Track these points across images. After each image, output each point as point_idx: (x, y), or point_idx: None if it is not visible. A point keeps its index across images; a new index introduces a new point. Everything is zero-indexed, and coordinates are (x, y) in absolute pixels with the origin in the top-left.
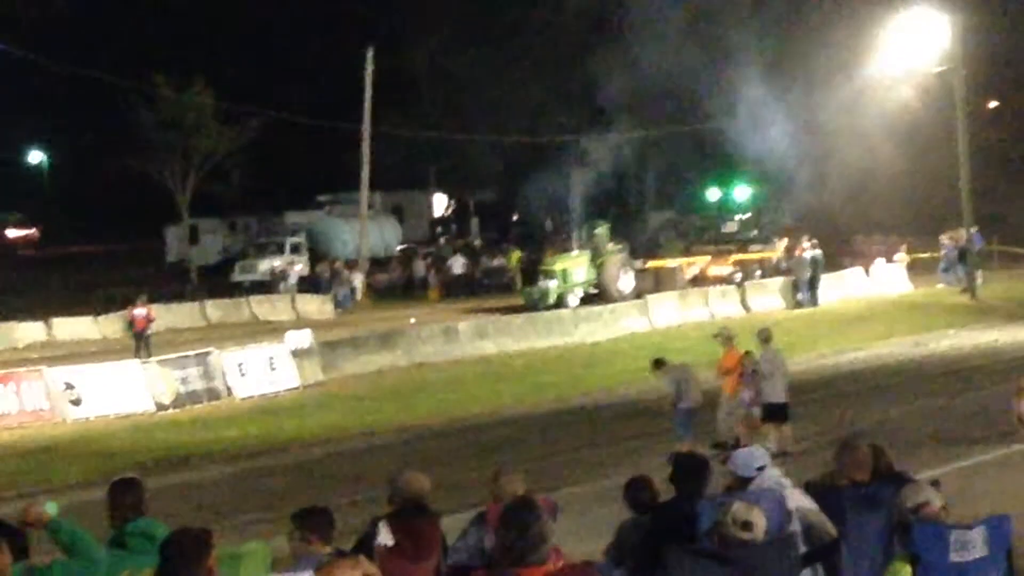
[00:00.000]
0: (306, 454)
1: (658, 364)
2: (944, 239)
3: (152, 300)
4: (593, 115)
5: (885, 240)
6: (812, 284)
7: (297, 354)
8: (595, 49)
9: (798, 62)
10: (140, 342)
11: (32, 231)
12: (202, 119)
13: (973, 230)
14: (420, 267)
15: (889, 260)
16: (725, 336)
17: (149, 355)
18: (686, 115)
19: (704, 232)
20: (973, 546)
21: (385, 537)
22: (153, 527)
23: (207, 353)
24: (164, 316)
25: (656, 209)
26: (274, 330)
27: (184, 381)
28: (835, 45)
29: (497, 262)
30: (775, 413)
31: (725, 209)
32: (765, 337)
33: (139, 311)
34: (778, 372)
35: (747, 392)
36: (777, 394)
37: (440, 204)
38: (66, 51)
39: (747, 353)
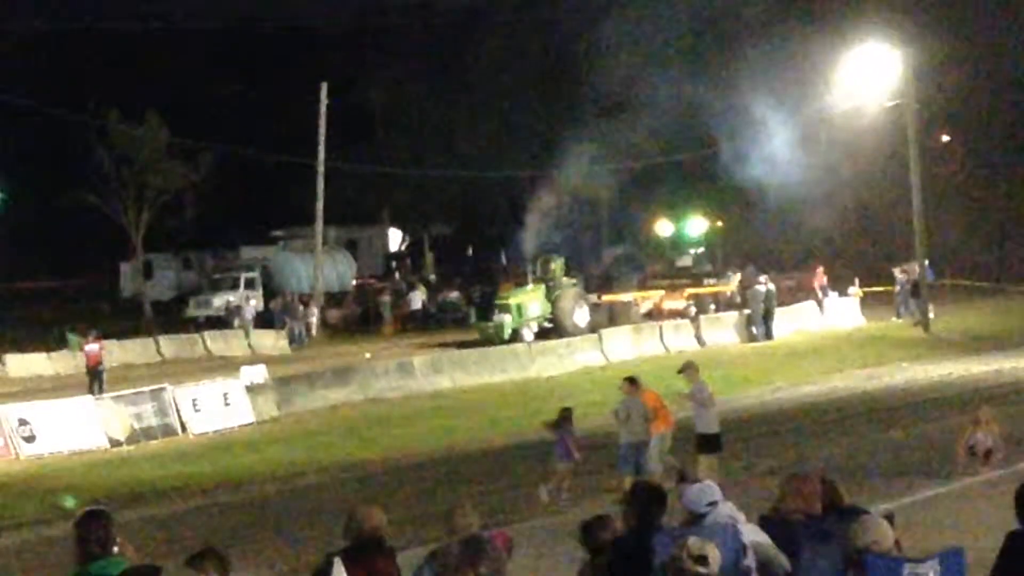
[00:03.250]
0: (261, 490)
1: (632, 381)
2: (897, 272)
3: (106, 336)
4: (548, 149)
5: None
6: (766, 318)
7: (252, 390)
8: (551, 83)
9: (751, 98)
10: (93, 378)
11: None
12: (156, 154)
13: (925, 263)
14: (385, 301)
15: (843, 293)
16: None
17: (102, 391)
18: (642, 149)
19: (658, 266)
20: None
21: (340, 574)
22: (113, 567)
23: (161, 389)
24: (118, 352)
25: (610, 243)
26: (228, 365)
27: (138, 417)
28: (788, 80)
29: (453, 296)
30: (709, 444)
31: (679, 243)
32: (695, 370)
33: (91, 347)
34: (708, 403)
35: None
36: (710, 425)
37: (395, 239)
38: (20, 86)
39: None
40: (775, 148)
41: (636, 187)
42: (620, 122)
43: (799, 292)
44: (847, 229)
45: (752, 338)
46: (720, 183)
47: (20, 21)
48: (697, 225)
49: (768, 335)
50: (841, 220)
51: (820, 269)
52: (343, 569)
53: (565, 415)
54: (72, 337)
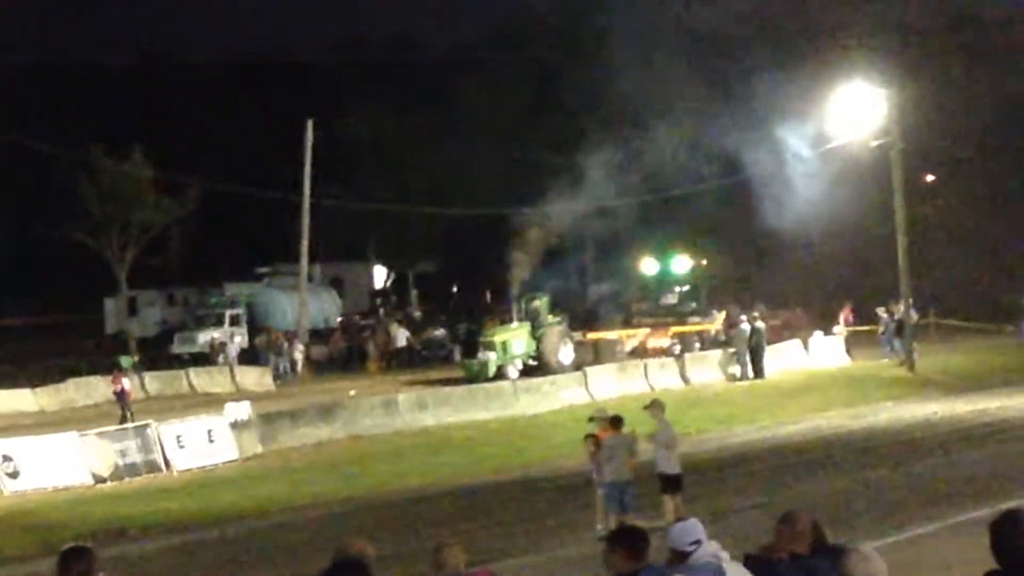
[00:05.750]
0: (245, 527)
1: (615, 423)
2: (881, 312)
3: (90, 372)
4: (533, 186)
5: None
6: (755, 356)
7: (236, 426)
8: (536, 120)
9: (733, 134)
10: (122, 408)
11: None
12: (141, 190)
13: (910, 302)
14: (370, 338)
15: (827, 333)
16: (601, 417)
17: (131, 420)
18: (624, 187)
19: (643, 304)
20: None
21: None
22: None
23: (145, 425)
24: (102, 388)
25: (595, 281)
26: (213, 402)
27: (122, 454)
28: (772, 117)
29: (438, 333)
30: (672, 484)
31: (664, 281)
32: (660, 408)
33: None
34: (672, 443)
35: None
36: (672, 465)
37: (380, 275)
38: (4, 120)
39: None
40: (762, 187)
41: (623, 224)
42: (606, 161)
43: (784, 331)
44: (834, 267)
45: (740, 376)
46: (708, 221)
47: (5, 55)
48: (682, 263)
49: (759, 373)
50: (828, 258)
51: (848, 307)
52: None
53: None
54: (126, 359)
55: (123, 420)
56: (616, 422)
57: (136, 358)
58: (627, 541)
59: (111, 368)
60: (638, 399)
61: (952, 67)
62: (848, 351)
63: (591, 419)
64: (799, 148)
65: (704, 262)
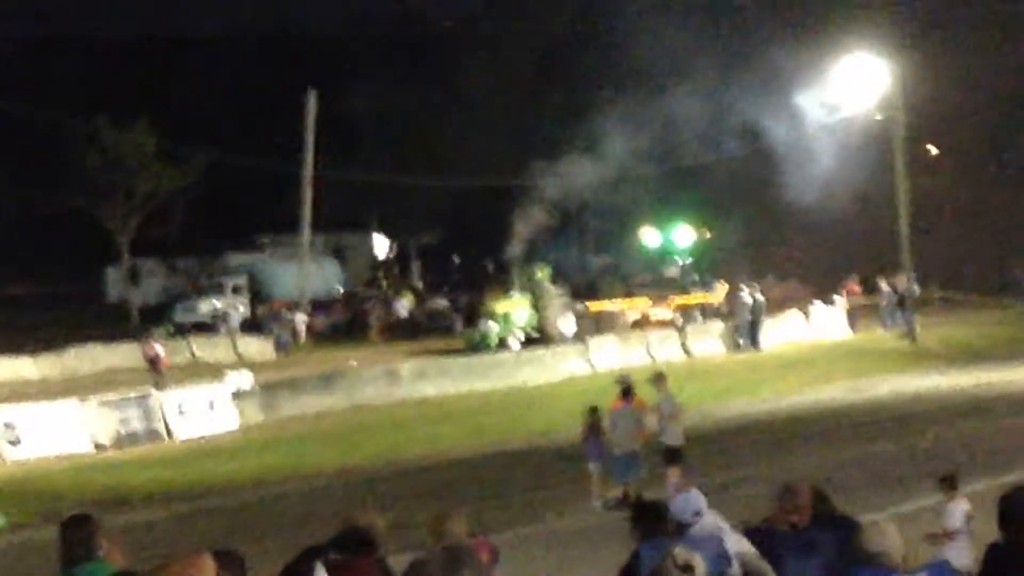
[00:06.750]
0: (246, 496)
1: (625, 394)
2: (882, 284)
3: (91, 340)
4: (535, 158)
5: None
6: (753, 328)
7: (237, 396)
8: (538, 91)
9: (740, 105)
10: (155, 375)
11: None
12: (144, 159)
13: (912, 275)
14: (372, 309)
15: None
16: (627, 382)
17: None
18: (628, 158)
19: (645, 275)
20: None
21: None
22: (98, 571)
23: (147, 394)
24: (104, 356)
25: (597, 252)
26: (214, 371)
27: (124, 422)
28: (777, 88)
29: (439, 304)
30: (674, 456)
31: (666, 253)
32: (663, 380)
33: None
34: (675, 414)
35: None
36: (676, 437)
37: (381, 246)
38: (7, 90)
39: (592, 410)
40: (768, 158)
41: (623, 196)
42: (607, 132)
43: (786, 303)
44: (838, 238)
45: (738, 348)
46: (712, 192)
47: (7, 25)
48: (684, 235)
49: (755, 346)
50: (832, 230)
51: (855, 280)
52: (325, 573)
53: (596, 413)
54: (161, 328)
55: (156, 385)
56: (626, 393)
57: (172, 328)
58: (649, 516)
59: (111, 337)
60: (640, 370)
61: (957, 39)
62: (851, 323)
63: (618, 381)
64: (805, 120)
65: (708, 234)
